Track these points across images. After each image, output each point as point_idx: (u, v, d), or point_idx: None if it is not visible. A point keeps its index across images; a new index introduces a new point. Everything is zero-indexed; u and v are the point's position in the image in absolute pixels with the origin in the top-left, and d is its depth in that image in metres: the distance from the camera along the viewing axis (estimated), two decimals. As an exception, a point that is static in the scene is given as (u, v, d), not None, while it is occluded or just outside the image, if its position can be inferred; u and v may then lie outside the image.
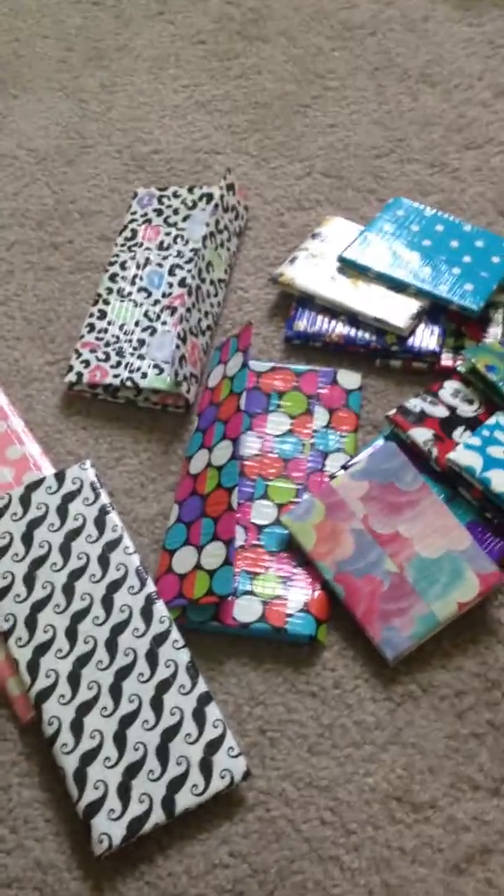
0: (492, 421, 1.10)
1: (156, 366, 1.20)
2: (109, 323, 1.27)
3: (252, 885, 0.89)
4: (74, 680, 0.98)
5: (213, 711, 0.95)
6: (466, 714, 0.97)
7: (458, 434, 1.11)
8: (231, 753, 0.93)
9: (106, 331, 1.26)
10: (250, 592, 1.04)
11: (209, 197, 1.37)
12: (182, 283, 1.29)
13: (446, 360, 1.21)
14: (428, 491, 1.06)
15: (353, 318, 1.24)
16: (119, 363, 1.22)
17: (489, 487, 1.04)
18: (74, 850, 0.92)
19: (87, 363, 1.23)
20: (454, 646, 1.01)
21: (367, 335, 1.22)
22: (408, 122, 1.50)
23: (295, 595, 1.03)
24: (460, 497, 1.08)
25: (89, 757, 0.93)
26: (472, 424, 1.12)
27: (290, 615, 1.02)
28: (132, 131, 1.54)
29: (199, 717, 0.95)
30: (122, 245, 1.36)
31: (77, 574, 1.04)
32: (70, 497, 1.10)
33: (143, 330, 1.25)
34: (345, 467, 1.11)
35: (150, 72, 1.63)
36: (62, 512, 1.09)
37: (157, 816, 0.90)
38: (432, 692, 0.99)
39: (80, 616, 1.02)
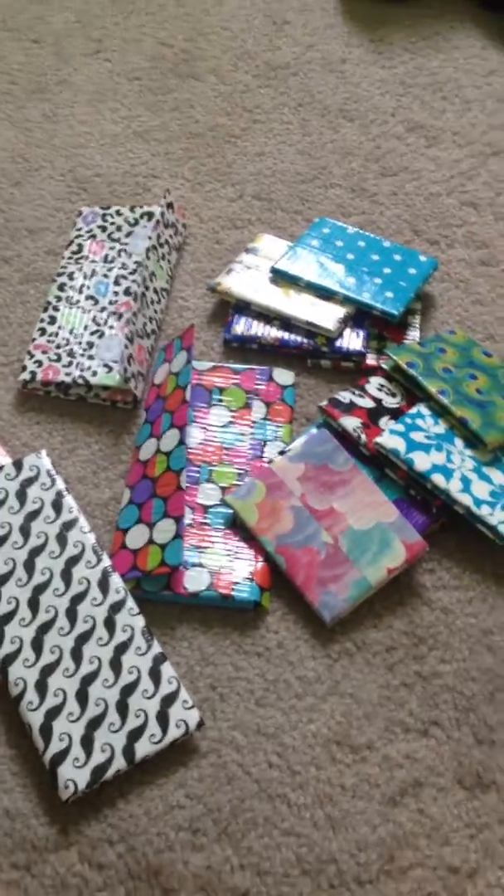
0: (413, 410, 1.20)
1: (105, 365, 1.28)
2: (59, 327, 1.34)
3: (207, 822, 0.95)
4: (38, 645, 1.03)
5: (167, 670, 1.02)
6: (396, 667, 1.06)
7: (384, 422, 1.20)
8: (185, 706, 1.00)
9: (56, 334, 1.33)
10: (199, 564, 1.11)
11: (150, 214, 1.46)
12: (127, 291, 1.36)
13: (371, 359, 1.31)
14: (358, 471, 1.15)
15: (286, 323, 1.33)
16: (70, 363, 1.29)
17: (412, 467, 1.14)
18: (41, 800, 0.97)
19: (39, 363, 1.29)
20: (384, 608, 1.10)
21: (299, 338, 1.31)
22: (329, 151, 1.61)
23: (240, 566, 1.11)
24: (387, 477, 1.17)
25: (54, 713, 0.99)
26: (396, 414, 1.22)
27: (236, 584, 1.09)
28: (74, 157, 1.62)
29: (155, 675, 1.01)
30: (69, 258, 1.43)
31: (37, 551, 1.10)
32: (28, 482, 1.16)
33: (92, 333, 1.32)
34: (282, 453, 1.19)
35: (89, 104, 1.72)
36: (21, 496, 1.14)
37: (119, 763, 0.96)
38: (366, 649, 1.07)
39: (41, 588, 1.07)
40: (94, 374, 1.27)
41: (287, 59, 1.78)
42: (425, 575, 1.12)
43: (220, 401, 1.26)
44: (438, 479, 1.13)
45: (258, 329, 1.33)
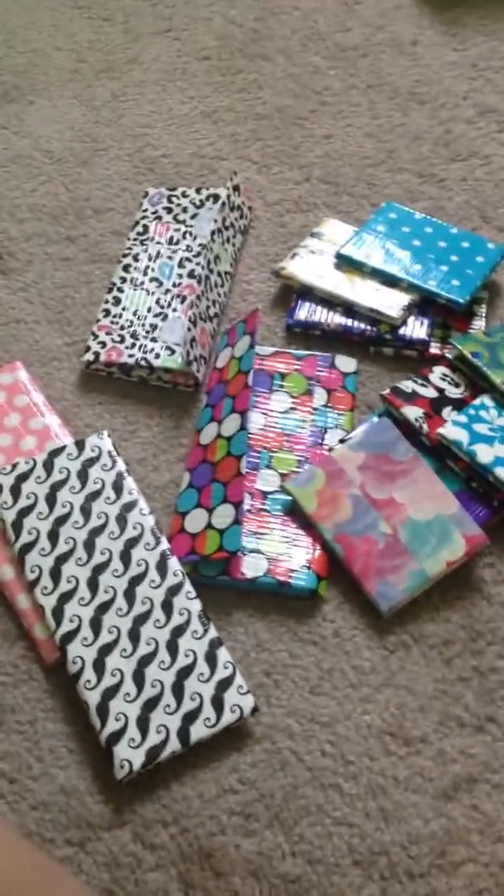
0: (477, 401, 1.18)
1: (168, 347, 1.27)
2: (123, 309, 1.33)
3: (259, 807, 0.95)
4: (96, 625, 1.03)
5: (223, 654, 1.01)
6: (453, 661, 1.04)
7: (447, 413, 1.18)
8: (241, 691, 0.99)
9: (120, 316, 1.32)
10: (257, 550, 1.10)
11: (216, 197, 1.44)
12: (191, 274, 1.35)
13: (435, 348, 1.28)
14: (419, 461, 1.13)
15: (350, 309, 1.31)
16: (133, 345, 1.28)
17: (475, 459, 1.11)
18: (96, 778, 0.97)
19: (103, 344, 1.29)
20: (442, 601, 1.08)
21: (362, 325, 1.29)
22: (398, 135, 1.58)
23: (298, 553, 1.09)
24: (448, 469, 1.15)
25: (111, 692, 0.99)
26: (459, 405, 1.19)
27: (293, 571, 1.08)
28: (142, 137, 1.61)
29: (211, 659, 1.01)
30: (135, 239, 1.42)
31: (97, 531, 1.10)
32: (90, 463, 1.16)
33: (156, 316, 1.31)
34: (342, 441, 1.18)
35: (157, 83, 1.70)
36: (82, 476, 1.14)
37: (174, 745, 0.96)
38: (422, 641, 1.05)
39: (100, 569, 1.07)
40: (157, 356, 1.26)
41: (357, 41, 1.74)
42: (485, 569, 1.10)
43: (282, 386, 1.24)
44: (501, 471, 1.10)
45: (321, 315, 1.31)
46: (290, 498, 1.14)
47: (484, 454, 1.11)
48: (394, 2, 1.81)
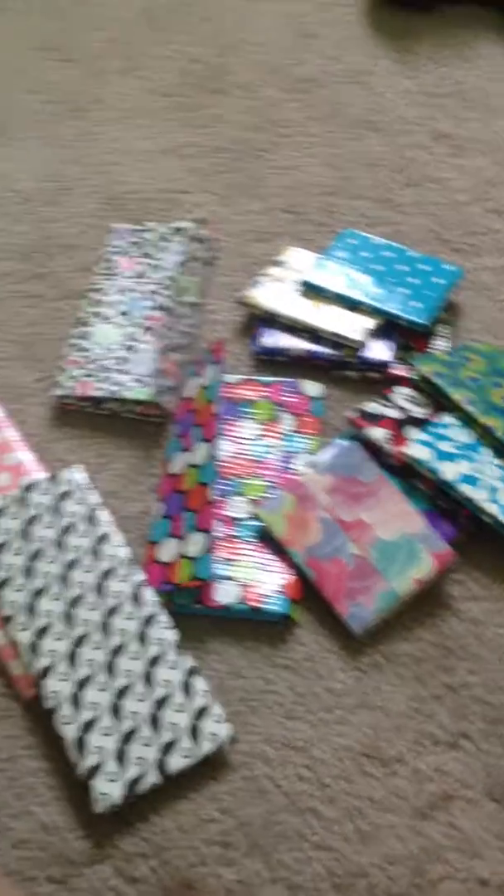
0: (440, 420, 1.16)
1: (138, 380, 1.25)
2: (93, 343, 1.31)
3: (238, 836, 0.93)
4: (73, 658, 1.01)
5: (199, 683, 0.99)
6: (426, 678, 1.02)
7: (411, 432, 1.16)
8: (217, 720, 0.97)
9: (90, 350, 1.30)
10: (229, 578, 1.08)
11: (181, 230, 1.43)
12: (159, 306, 1.34)
13: (397, 369, 1.27)
14: (386, 482, 1.11)
15: (314, 335, 1.30)
16: (103, 378, 1.26)
17: (440, 477, 1.10)
18: (76, 813, 0.95)
19: (73, 378, 1.27)
20: (413, 619, 1.06)
21: (327, 349, 1.28)
22: (355, 163, 1.57)
23: (269, 578, 1.08)
24: (414, 488, 1.13)
25: (88, 726, 0.97)
26: (423, 424, 1.18)
27: (265, 596, 1.06)
28: (108, 174, 1.60)
29: (187, 688, 0.99)
30: (102, 274, 1.41)
31: (72, 565, 1.08)
32: (63, 497, 1.14)
33: (125, 349, 1.29)
34: (310, 465, 1.16)
35: (121, 121, 1.69)
36: (56, 510, 1.12)
37: (153, 777, 0.94)
38: (395, 660, 1.03)
39: (75, 602, 1.05)
40: (128, 388, 1.24)
41: (313, 72, 1.74)
42: (454, 586, 1.08)
43: (250, 413, 1.22)
44: (466, 488, 1.09)
45: (286, 341, 1.30)
46: (260, 523, 1.12)
47: (449, 471, 1.10)
48: (349, 33, 1.81)
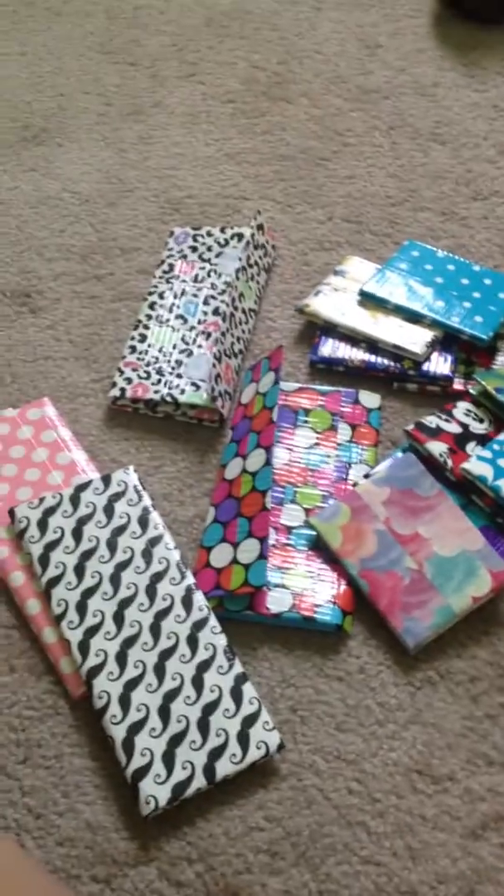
0: (501, 436, 1.17)
1: (193, 383, 1.27)
2: (149, 345, 1.33)
3: (286, 846, 0.93)
4: (122, 659, 1.02)
5: (248, 690, 1.00)
6: (480, 697, 1.02)
7: (471, 448, 1.17)
8: (266, 727, 0.98)
9: (146, 352, 1.32)
10: (282, 585, 1.09)
11: (240, 236, 1.45)
12: (216, 311, 1.35)
13: (458, 384, 1.27)
14: (444, 496, 1.12)
15: (373, 346, 1.31)
16: (159, 381, 1.28)
17: (500, 494, 1.10)
18: (121, 813, 0.96)
19: (129, 380, 1.29)
20: (468, 637, 1.06)
21: (385, 361, 1.29)
22: (419, 175, 1.58)
23: (323, 588, 1.08)
24: (473, 504, 1.14)
25: (136, 727, 0.98)
26: (483, 440, 1.18)
27: (318, 606, 1.07)
28: (167, 178, 1.62)
29: (237, 694, 1.00)
30: (160, 277, 1.43)
31: (123, 566, 1.09)
32: (115, 497, 1.15)
33: (181, 352, 1.31)
34: (367, 476, 1.17)
35: (183, 126, 1.72)
36: (108, 511, 1.14)
37: (199, 782, 0.94)
38: (449, 678, 1.04)
39: (126, 603, 1.06)
40: (182, 392, 1.26)
41: (379, 83, 1.76)
42: (511, 604, 1.08)
43: (306, 422, 1.24)
44: (526, 507, 1.09)
45: (345, 351, 1.31)
46: (314, 533, 1.13)
47: (509, 489, 1.10)
48: (415, 45, 1.83)
